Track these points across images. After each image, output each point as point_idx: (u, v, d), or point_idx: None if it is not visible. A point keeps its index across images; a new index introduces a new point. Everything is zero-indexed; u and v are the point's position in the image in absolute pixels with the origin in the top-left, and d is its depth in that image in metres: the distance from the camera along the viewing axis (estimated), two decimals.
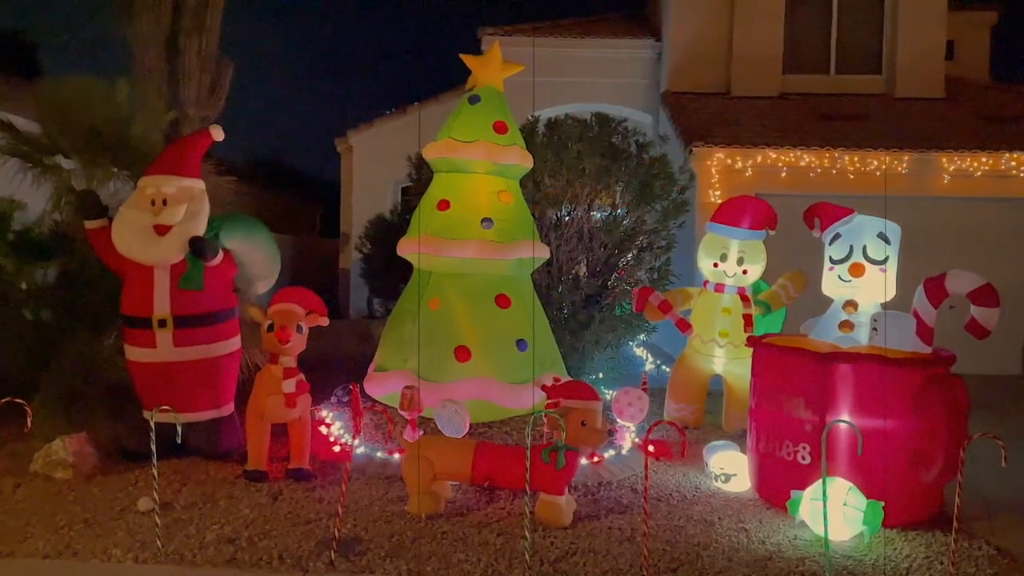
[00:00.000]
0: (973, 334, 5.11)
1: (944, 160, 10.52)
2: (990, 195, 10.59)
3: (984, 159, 10.47)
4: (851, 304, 5.40)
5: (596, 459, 5.58)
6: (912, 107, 12.37)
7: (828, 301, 5.61)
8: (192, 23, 7.26)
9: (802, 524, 4.64)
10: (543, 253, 6.88)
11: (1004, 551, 4.42)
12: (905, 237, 5.48)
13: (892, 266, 5.38)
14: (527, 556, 4.03)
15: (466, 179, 6.61)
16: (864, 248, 5.36)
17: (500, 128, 6.59)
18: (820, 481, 4.33)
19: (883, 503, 4.50)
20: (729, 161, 10.62)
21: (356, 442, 5.39)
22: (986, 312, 5.01)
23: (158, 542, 4.16)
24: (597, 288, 8.35)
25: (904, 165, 10.51)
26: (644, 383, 6.93)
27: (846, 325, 5.36)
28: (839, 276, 5.45)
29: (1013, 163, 10.43)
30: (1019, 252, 10.59)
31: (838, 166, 10.52)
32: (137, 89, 7.23)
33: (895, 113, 12.19)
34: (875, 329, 5.22)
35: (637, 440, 6.07)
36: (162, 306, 5.49)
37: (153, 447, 4.20)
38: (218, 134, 5.82)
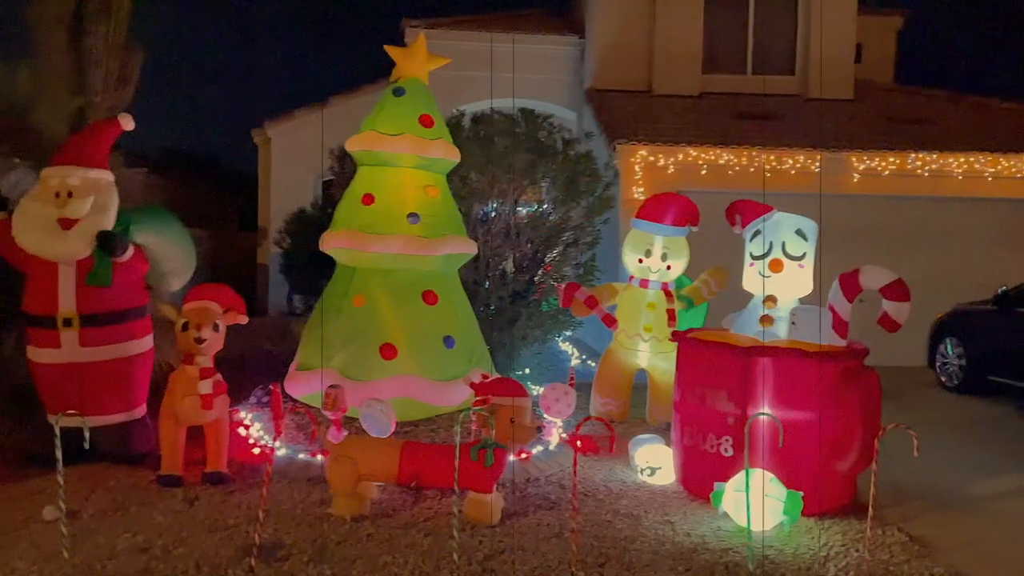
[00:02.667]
0: (885, 327, 5.29)
1: (854, 159, 10.94)
2: (897, 193, 11.06)
3: (891, 159, 10.93)
4: (771, 299, 5.52)
5: (524, 455, 5.58)
6: (823, 107, 12.82)
7: (748, 296, 5.73)
8: (100, 4, 6.89)
9: (725, 515, 4.72)
10: (470, 249, 6.82)
11: (915, 537, 4.60)
12: (819, 234, 5.64)
13: (809, 262, 5.53)
14: (455, 556, 3.98)
15: (391, 173, 6.50)
16: (783, 244, 5.48)
17: (426, 121, 6.51)
18: (742, 473, 4.43)
19: (802, 493, 4.62)
20: (652, 158, 10.78)
21: (277, 444, 5.23)
22: (898, 306, 5.20)
23: (65, 553, 3.95)
24: (524, 284, 8.35)
25: (817, 164, 10.86)
26: (571, 378, 6.96)
27: (766, 319, 5.48)
28: (759, 272, 5.57)
29: (919, 163, 10.92)
30: (923, 248, 11.09)
31: (755, 164, 10.80)
32: (39, 74, 6.84)
33: (807, 113, 12.61)
34: (794, 323, 5.36)
35: (564, 435, 6.09)
36: (67, 304, 5.21)
37: (59, 452, 3.99)
38: (128, 123, 5.56)
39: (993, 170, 10.98)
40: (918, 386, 9.56)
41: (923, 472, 5.65)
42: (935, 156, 10.94)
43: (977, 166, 10.95)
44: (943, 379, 9.60)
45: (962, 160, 10.94)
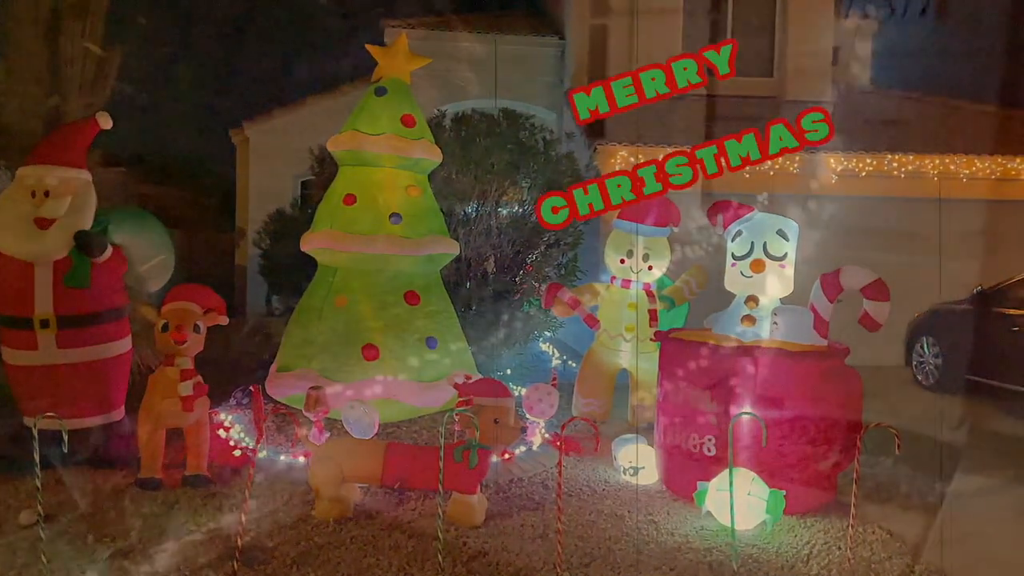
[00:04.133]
0: (866, 327, 5.34)
1: (832, 160, 11.03)
2: (874, 194, 11.17)
3: (868, 160, 11.03)
4: (752, 299, 5.55)
5: (507, 456, 5.57)
6: (801, 109, 12.88)
7: (729, 295, 5.76)
8: (76, 2, 6.80)
9: (708, 514, 4.74)
10: (452, 249, 6.80)
11: (895, 535, 4.65)
12: (799, 234, 5.67)
13: (790, 262, 5.56)
14: (440, 557, 3.96)
15: (373, 173, 6.47)
16: (764, 245, 5.52)
17: (408, 121, 6.48)
18: (725, 472, 4.44)
19: (784, 492, 4.65)
20: (632, 159, 10.78)
21: (258, 446, 5.18)
22: (878, 306, 5.25)
23: (43, 558, 3.87)
24: (505, 284, 8.34)
25: (796, 165, 10.94)
26: (554, 379, 6.96)
27: (748, 319, 5.52)
28: (741, 272, 5.60)
29: (895, 164, 11.04)
30: (900, 248, 11.18)
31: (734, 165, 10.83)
32: (13, 72, 6.74)
33: (785, 115, 12.66)
34: (775, 323, 5.39)
35: (547, 436, 6.09)
36: (44, 305, 5.12)
37: (36, 456, 3.91)
38: (105, 122, 5.48)
39: (968, 171, 11.12)
40: (895, 385, 9.65)
41: (903, 470, 5.71)
42: (911, 158, 11.06)
43: (952, 167, 11.09)
44: (920, 378, 9.70)
45: (938, 162, 11.07)
